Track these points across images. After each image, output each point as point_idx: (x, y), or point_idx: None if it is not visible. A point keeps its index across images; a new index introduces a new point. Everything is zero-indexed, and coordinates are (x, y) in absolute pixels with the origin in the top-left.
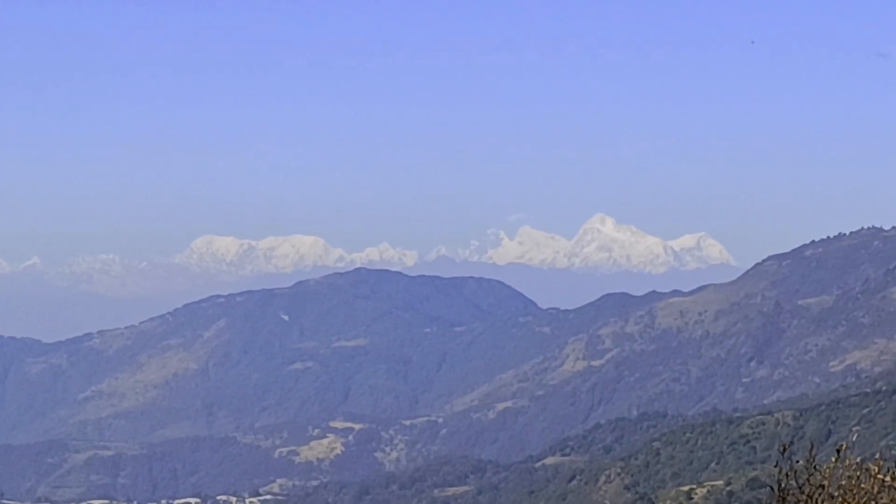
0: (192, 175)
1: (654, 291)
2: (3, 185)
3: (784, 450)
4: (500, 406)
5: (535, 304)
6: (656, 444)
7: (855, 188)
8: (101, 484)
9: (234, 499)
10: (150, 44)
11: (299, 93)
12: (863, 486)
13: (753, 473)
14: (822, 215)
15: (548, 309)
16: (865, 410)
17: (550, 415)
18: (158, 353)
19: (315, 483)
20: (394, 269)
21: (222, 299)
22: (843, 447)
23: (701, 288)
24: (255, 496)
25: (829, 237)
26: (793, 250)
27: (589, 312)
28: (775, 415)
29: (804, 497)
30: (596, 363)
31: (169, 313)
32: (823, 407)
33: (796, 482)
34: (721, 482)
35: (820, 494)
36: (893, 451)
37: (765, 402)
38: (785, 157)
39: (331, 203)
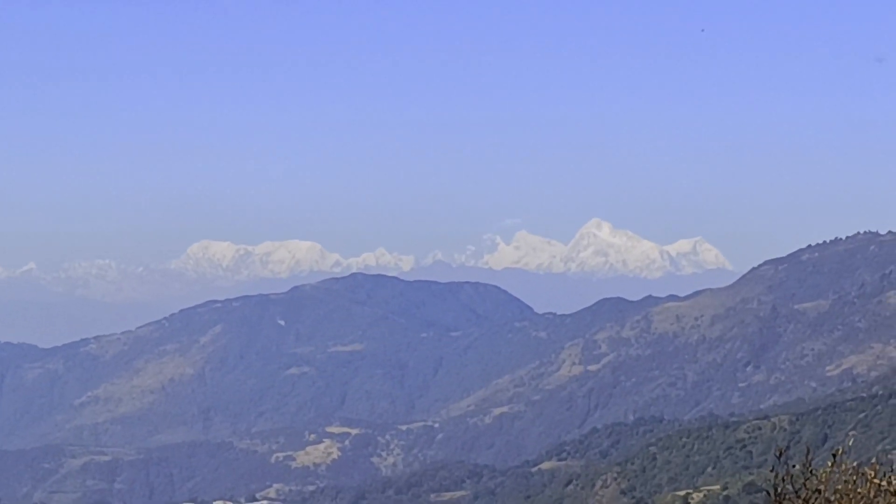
0: (189, 180)
1: (650, 296)
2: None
3: (780, 454)
4: (497, 411)
5: (531, 308)
6: (653, 449)
7: (851, 193)
8: (98, 489)
9: None
10: (147, 50)
11: (296, 98)
12: (859, 490)
13: (750, 478)
14: (818, 220)
15: (544, 314)
16: (862, 415)
17: (547, 420)
18: (155, 358)
19: (311, 488)
20: (390, 274)
21: (219, 304)
22: (840, 452)
23: (697, 293)
24: (251, 501)
25: (825, 242)
26: (789, 255)
27: (585, 317)
28: (772, 419)
29: (801, 502)
30: (592, 368)
31: (165, 318)
32: (820, 411)
33: (793, 487)
34: (717, 487)
35: (816, 499)
36: (890, 456)
37: (761, 406)
38: (781, 161)
39: (327, 208)
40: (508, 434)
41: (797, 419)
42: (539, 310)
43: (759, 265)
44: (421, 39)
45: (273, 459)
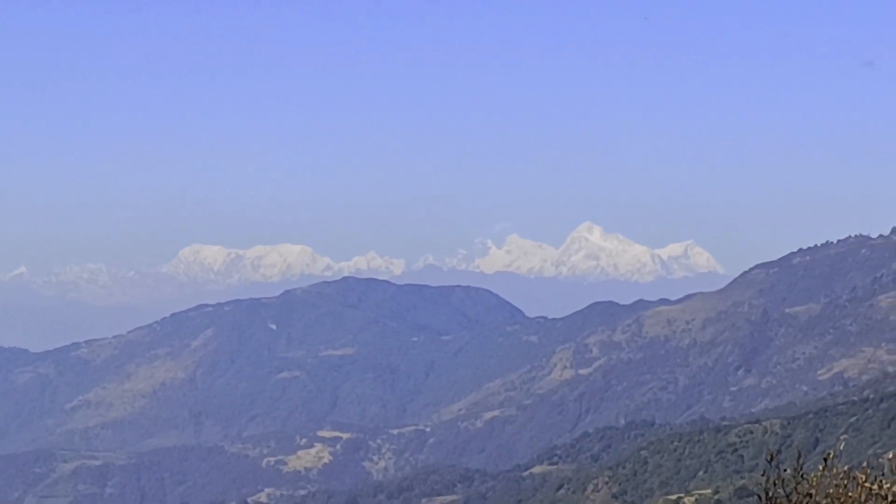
0: (180, 184)
1: (641, 300)
2: None
3: (772, 458)
4: (488, 415)
5: (522, 312)
6: (644, 453)
7: (842, 196)
8: (89, 493)
9: None
10: (139, 55)
11: (288, 103)
12: (850, 494)
13: (741, 482)
14: (809, 223)
15: (535, 318)
16: (853, 419)
17: (538, 424)
18: (146, 362)
19: (303, 492)
20: (381, 278)
21: (210, 308)
22: (831, 455)
23: (688, 296)
24: None
25: (816, 245)
26: (780, 258)
27: (576, 321)
28: (763, 423)
29: None
30: (583, 372)
31: (156, 322)
32: (811, 415)
33: (784, 491)
34: (709, 491)
35: (808, 503)
36: (881, 460)
37: (752, 410)
38: (772, 165)
39: (318, 212)
40: (500, 438)
41: (788, 423)
42: (530, 314)
43: (751, 269)
44: (413, 44)
45: (264, 464)
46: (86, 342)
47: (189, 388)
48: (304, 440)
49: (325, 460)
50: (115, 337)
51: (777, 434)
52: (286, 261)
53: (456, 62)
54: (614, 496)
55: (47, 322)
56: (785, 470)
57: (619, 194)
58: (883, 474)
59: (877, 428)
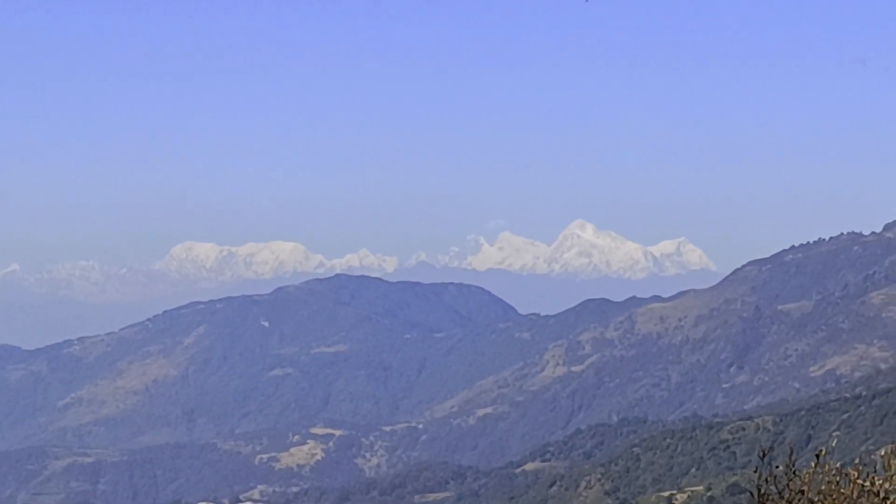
0: (172, 181)
1: (633, 297)
2: None
3: (764, 455)
4: (480, 412)
5: (514, 309)
6: (636, 450)
7: (835, 194)
8: (81, 490)
9: None
10: (131, 54)
11: (280, 100)
12: (842, 491)
13: (734, 479)
14: (801, 221)
15: (528, 315)
16: (845, 415)
17: (530, 421)
18: (138, 359)
19: (295, 489)
20: (374, 275)
21: (202, 306)
22: (823, 452)
23: (681, 293)
24: (235, 502)
25: (808, 242)
26: (772, 255)
27: (569, 318)
28: (755, 420)
29: (784, 502)
30: (576, 369)
31: (149, 320)
32: (803, 412)
33: (776, 487)
34: (701, 487)
35: (800, 500)
36: (873, 456)
37: (745, 407)
38: (764, 162)
39: (310, 209)
40: (492, 435)
41: (781, 420)
42: (523, 311)
43: (743, 266)
44: (406, 43)
45: (257, 461)
46: (78, 339)
47: (181, 385)
48: (296, 437)
49: (318, 457)
50: (107, 334)
51: (769, 431)
52: (278, 258)
53: (449, 61)
54: (607, 493)
55: (40, 319)
56: (777, 467)
57: (611, 191)
58: (875, 471)
59: (869, 425)
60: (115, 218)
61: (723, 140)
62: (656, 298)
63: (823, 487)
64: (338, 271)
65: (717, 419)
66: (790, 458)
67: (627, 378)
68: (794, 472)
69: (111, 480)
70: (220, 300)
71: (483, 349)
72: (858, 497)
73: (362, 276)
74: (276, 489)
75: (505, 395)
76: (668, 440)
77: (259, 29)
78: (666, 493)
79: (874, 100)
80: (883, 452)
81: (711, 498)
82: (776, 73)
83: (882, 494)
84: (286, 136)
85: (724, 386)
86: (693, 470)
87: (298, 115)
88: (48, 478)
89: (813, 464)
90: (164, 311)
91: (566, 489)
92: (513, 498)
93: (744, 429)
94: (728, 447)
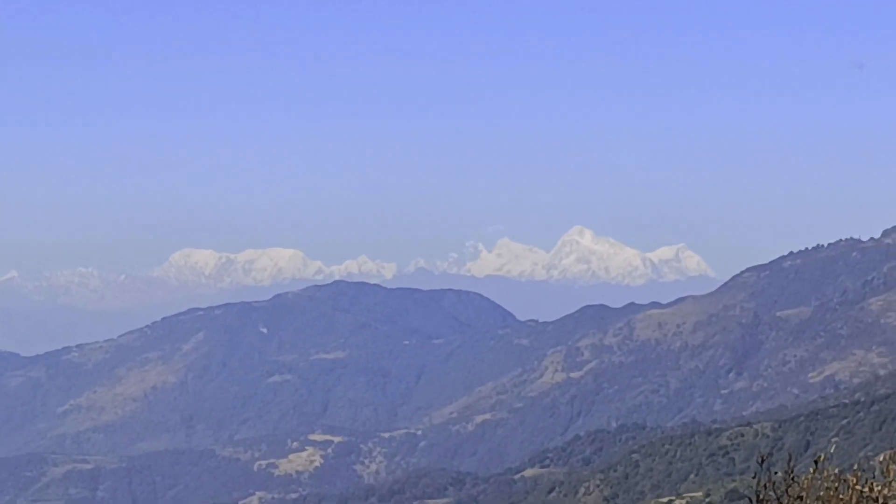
0: (171, 188)
1: (632, 303)
2: None
3: (763, 461)
4: (479, 418)
5: (513, 316)
6: (635, 456)
7: (833, 200)
8: (80, 497)
9: None
10: (130, 59)
11: (279, 107)
12: (841, 497)
13: (732, 485)
14: (800, 227)
15: (526, 321)
16: (844, 421)
17: (529, 427)
18: (137, 366)
19: (294, 496)
20: (372, 282)
21: (201, 312)
22: (822, 458)
23: (679, 300)
24: None
25: (807, 249)
26: (771, 262)
27: (567, 324)
28: (754, 426)
29: None
30: (575, 375)
31: (147, 326)
32: (802, 418)
33: (775, 493)
34: (700, 494)
35: None
36: (871, 462)
37: (744, 413)
38: (763, 168)
39: (309, 216)
40: (491, 441)
41: (779, 426)
42: (521, 317)
43: (742, 272)
44: (404, 48)
45: (256, 467)
46: (77, 346)
47: (180, 391)
48: (295, 444)
49: (317, 464)
50: (106, 341)
51: (768, 437)
52: (277, 265)
53: (447, 66)
54: (606, 499)
55: (38, 326)
56: (776, 473)
57: (610, 198)
58: (874, 477)
59: (868, 431)
60: (114, 225)
61: (721, 146)
62: (655, 305)
63: (822, 493)
64: (336, 278)
65: (716, 425)
66: (789, 464)
67: (626, 384)
68: (792, 478)
69: (110, 487)
70: (218, 307)
71: (482, 355)
72: (857, 503)
73: (361, 283)
74: (275, 496)
75: (504, 402)
76: (666, 446)
77: (259, 37)
78: (665, 499)
79: (872, 105)
80: (882, 458)
81: (710, 503)
82: (775, 79)
83: (881, 500)
84: (285, 143)
85: (723, 392)
86: (692, 476)
87: (297, 121)
88: (47, 484)
89: (812, 470)
90: (163, 318)
91: (565, 495)
92: None
93: (742, 435)
94: (727, 453)
